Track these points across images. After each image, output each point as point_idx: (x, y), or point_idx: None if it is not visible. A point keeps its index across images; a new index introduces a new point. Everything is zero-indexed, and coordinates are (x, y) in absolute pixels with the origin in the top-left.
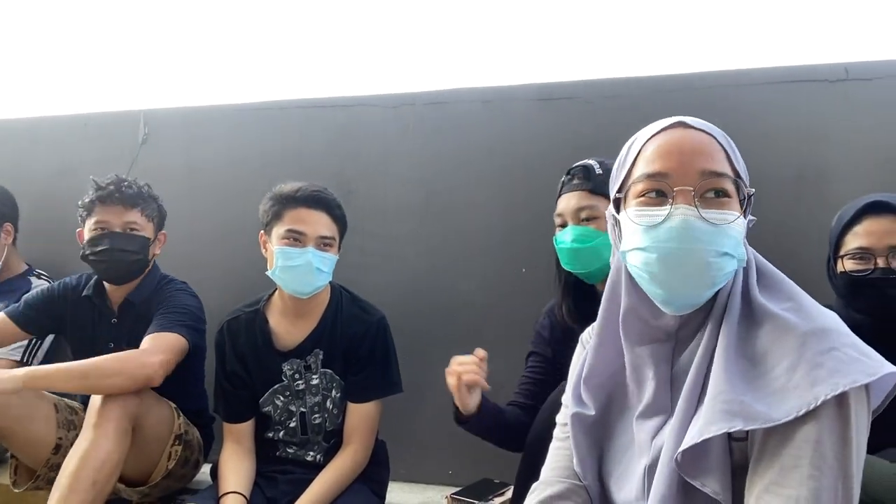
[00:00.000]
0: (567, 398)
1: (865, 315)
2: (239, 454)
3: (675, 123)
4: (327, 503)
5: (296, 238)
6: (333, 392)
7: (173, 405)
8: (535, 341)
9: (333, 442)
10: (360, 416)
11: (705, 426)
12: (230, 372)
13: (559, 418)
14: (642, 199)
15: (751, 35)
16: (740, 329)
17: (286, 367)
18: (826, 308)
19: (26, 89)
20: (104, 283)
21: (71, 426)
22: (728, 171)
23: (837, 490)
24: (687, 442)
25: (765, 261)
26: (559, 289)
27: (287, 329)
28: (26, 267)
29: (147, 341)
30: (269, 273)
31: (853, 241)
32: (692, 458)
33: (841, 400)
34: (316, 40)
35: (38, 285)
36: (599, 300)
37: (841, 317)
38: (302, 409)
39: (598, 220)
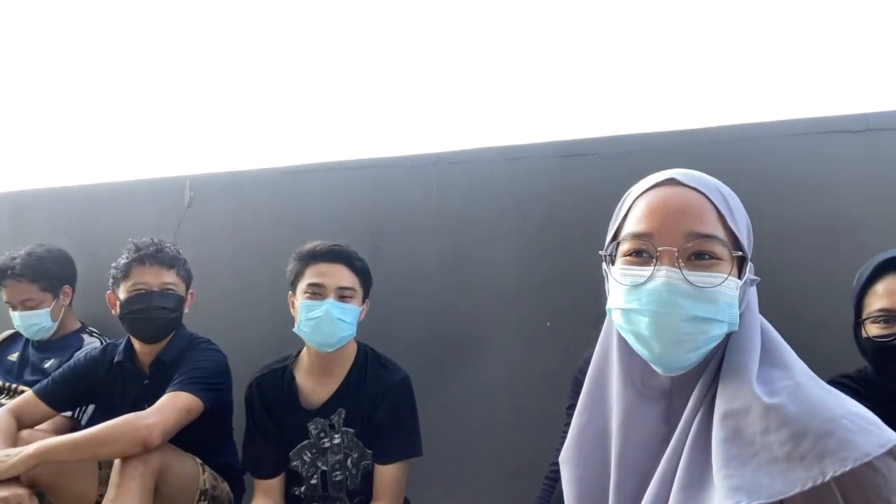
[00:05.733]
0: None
1: None
2: None
3: (666, 180)
4: None
5: (315, 291)
6: (353, 451)
7: (199, 460)
8: (575, 391)
9: (357, 501)
10: (388, 477)
11: None
12: (261, 427)
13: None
14: (628, 257)
15: (771, 88)
16: (742, 397)
17: (311, 426)
18: (830, 383)
19: (88, 156)
20: (134, 346)
21: None
22: (717, 232)
23: None
24: None
25: (771, 328)
26: None
27: (312, 387)
28: (80, 325)
29: (158, 402)
30: (295, 329)
31: (874, 302)
32: None
33: (852, 474)
34: (347, 106)
35: (90, 342)
36: None
37: (875, 385)
38: (323, 468)
39: None
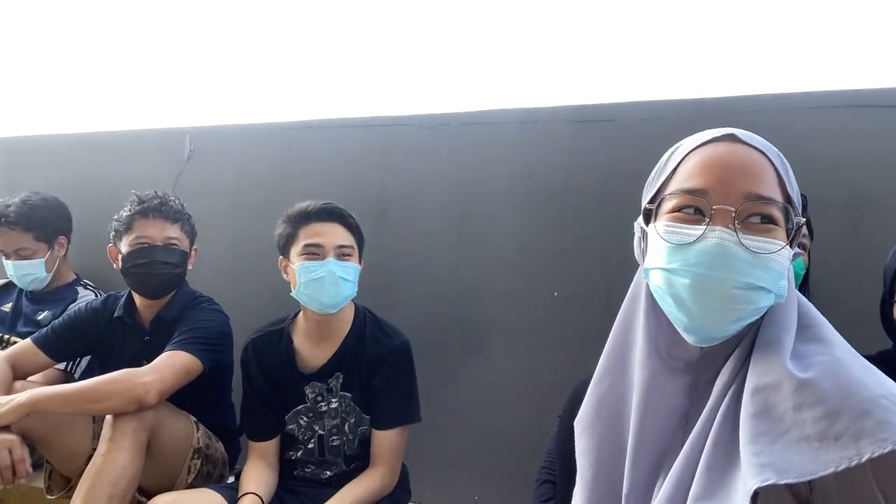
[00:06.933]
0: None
1: None
2: (262, 467)
3: (724, 136)
4: None
5: (314, 252)
6: (350, 416)
7: (193, 418)
8: (568, 411)
9: (353, 466)
10: (386, 443)
11: (743, 484)
12: (257, 389)
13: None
14: (676, 214)
15: (798, 59)
16: (774, 372)
17: (308, 390)
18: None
19: (87, 104)
20: (135, 301)
21: None
22: (777, 195)
23: None
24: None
25: (807, 302)
26: None
27: (310, 351)
28: (74, 277)
29: (156, 360)
30: (293, 294)
31: None
32: None
33: (889, 457)
34: (355, 61)
35: (84, 295)
36: None
37: None
38: (320, 432)
39: None
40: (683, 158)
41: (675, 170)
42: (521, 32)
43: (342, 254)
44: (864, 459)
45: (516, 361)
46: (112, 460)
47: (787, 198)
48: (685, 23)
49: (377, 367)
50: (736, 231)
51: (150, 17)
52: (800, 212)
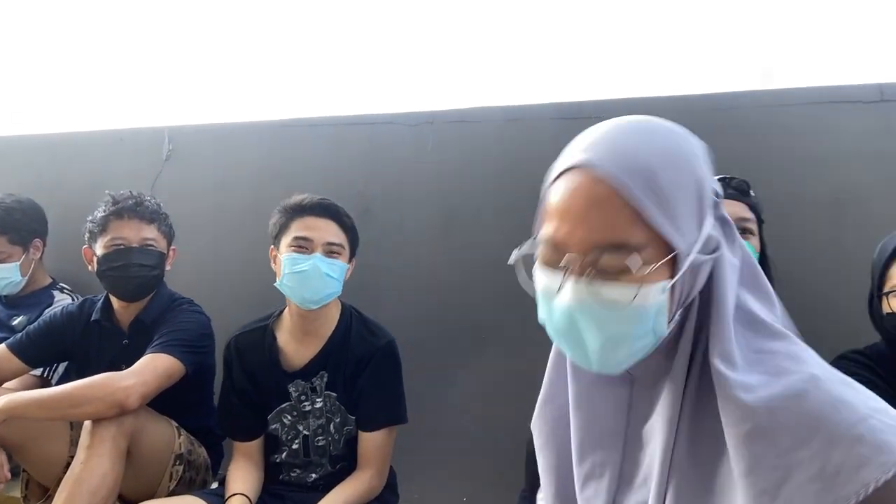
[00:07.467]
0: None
1: None
2: (248, 467)
3: (577, 165)
4: None
5: (302, 245)
6: (336, 416)
7: (174, 423)
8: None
9: (339, 467)
10: (373, 445)
11: None
12: (239, 388)
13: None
14: (544, 256)
15: (782, 55)
16: (746, 411)
17: (292, 389)
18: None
19: (63, 103)
20: (113, 304)
21: None
22: (631, 236)
23: None
24: None
25: (761, 318)
26: None
27: (295, 348)
28: (50, 280)
29: (137, 364)
30: (277, 284)
31: None
32: None
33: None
34: (338, 59)
35: (61, 299)
36: None
37: (889, 363)
38: (305, 432)
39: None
40: (549, 189)
41: (544, 199)
42: (505, 30)
43: (330, 251)
44: (870, 490)
45: (503, 360)
46: (91, 468)
47: (653, 229)
48: (669, 20)
49: (363, 366)
50: (589, 282)
51: (127, 14)
52: (675, 230)
